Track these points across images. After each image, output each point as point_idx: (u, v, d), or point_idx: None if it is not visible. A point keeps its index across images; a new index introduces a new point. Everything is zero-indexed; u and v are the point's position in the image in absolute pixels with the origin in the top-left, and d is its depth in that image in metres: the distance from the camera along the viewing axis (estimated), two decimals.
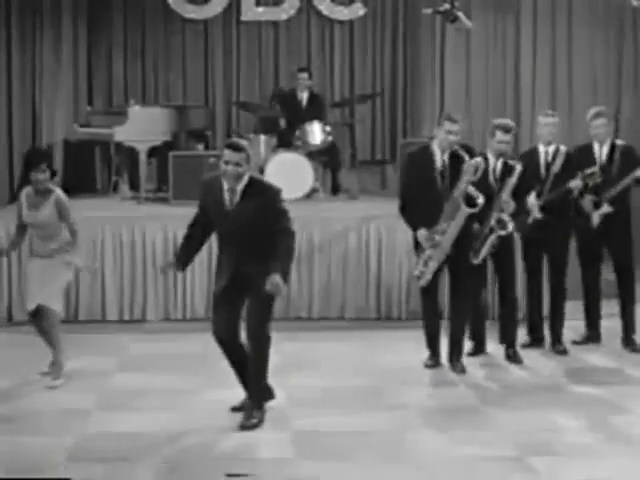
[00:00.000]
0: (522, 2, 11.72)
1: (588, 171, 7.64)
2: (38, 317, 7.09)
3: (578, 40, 11.72)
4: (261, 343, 6.17)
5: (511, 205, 7.28)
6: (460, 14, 9.97)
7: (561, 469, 5.54)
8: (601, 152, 7.90)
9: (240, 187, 6.05)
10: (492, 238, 7.27)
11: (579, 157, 7.87)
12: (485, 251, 7.33)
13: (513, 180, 7.27)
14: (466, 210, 7.03)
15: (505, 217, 7.24)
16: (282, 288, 5.98)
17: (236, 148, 6.05)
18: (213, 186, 6.16)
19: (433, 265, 7.22)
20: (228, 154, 6.02)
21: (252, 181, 6.10)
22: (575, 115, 11.30)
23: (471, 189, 7.03)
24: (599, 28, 11.72)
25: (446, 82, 11.77)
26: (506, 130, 7.40)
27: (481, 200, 7.00)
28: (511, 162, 7.38)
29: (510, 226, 7.23)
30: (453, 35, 11.43)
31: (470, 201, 7.03)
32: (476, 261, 7.34)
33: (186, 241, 6.39)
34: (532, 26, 11.73)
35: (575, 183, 7.65)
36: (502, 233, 7.25)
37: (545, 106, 11.43)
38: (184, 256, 6.40)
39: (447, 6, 9.91)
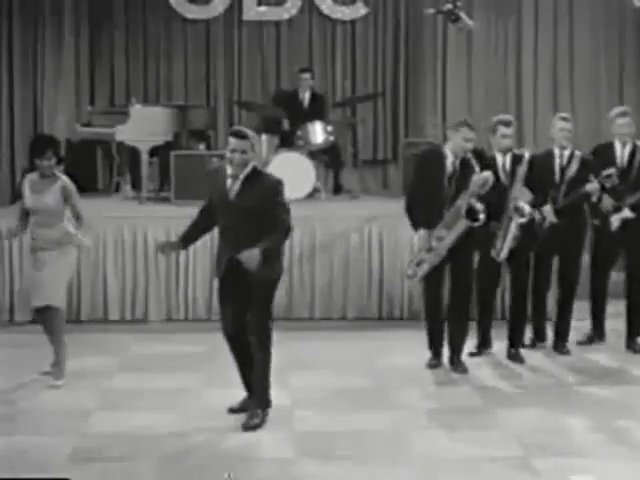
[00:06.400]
0: (524, 2, 11.73)
1: (605, 173, 7.58)
2: (44, 314, 7.05)
3: (580, 40, 11.72)
4: (263, 342, 6.17)
5: (526, 193, 7.27)
6: (462, 14, 9.95)
7: (565, 470, 5.52)
8: (623, 153, 7.83)
9: (242, 176, 6.07)
10: (513, 231, 7.23)
11: (599, 155, 7.79)
12: (508, 246, 7.29)
13: (524, 168, 7.30)
14: (466, 222, 7.04)
15: (522, 204, 7.22)
16: (257, 261, 5.89)
17: (242, 136, 6.07)
18: (218, 175, 6.23)
19: (426, 268, 7.23)
20: (234, 142, 6.04)
21: (255, 171, 6.12)
22: (577, 115, 11.27)
23: (476, 203, 7.03)
24: (601, 28, 11.74)
25: (448, 82, 11.77)
26: (508, 124, 7.46)
27: (482, 216, 7.00)
28: (518, 152, 7.41)
29: (527, 211, 7.19)
30: (455, 35, 11.41)
31: (472, 214, 7.03)
32: (499, 259, 7.33)
33: (192, 224, 6.40)
34: (534, 26, 11.75)
35: (592, 186, 7.59)
36: (521, 220, 7.22)
37: (547, 106, 11.47)
38: (188, 235, 6.41)
39: (449, 6, 9.88)
